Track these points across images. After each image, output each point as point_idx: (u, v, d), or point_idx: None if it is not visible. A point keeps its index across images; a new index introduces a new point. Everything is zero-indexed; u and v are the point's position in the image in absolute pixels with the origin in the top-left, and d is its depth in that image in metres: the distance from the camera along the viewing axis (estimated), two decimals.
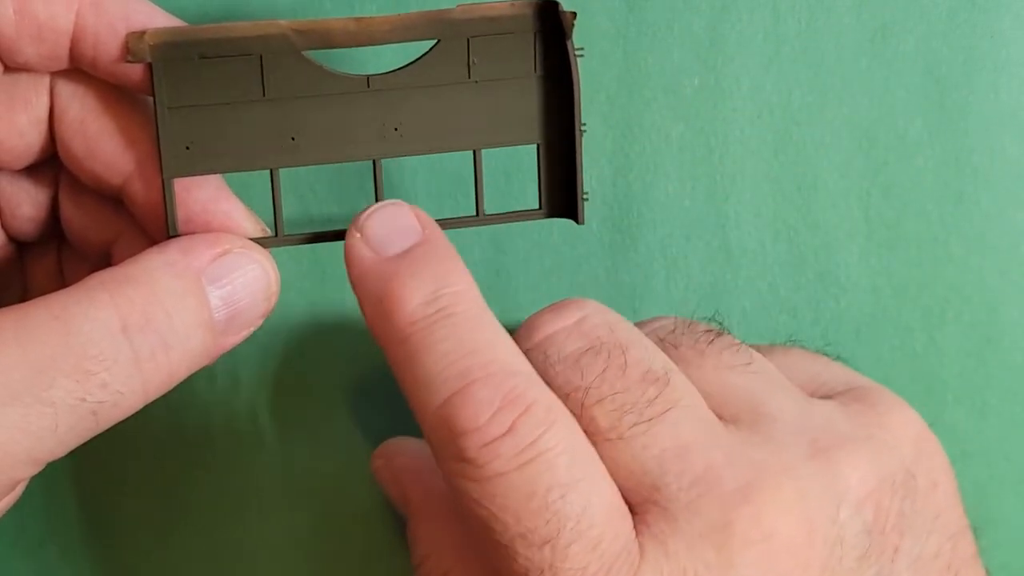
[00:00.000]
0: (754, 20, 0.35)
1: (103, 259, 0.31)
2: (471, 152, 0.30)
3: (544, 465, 0.26)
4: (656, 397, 0.28)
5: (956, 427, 0.38)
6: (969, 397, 0.38)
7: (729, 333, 0.31)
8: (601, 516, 0.26)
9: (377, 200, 0.30)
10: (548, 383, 0.28)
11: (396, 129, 0.29)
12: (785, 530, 0.27)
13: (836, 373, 0.33)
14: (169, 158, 0.28)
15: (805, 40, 0.36)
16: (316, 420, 0.36)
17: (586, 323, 0.29)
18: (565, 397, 0.28)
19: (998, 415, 0.39)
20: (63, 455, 0.26)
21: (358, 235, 0.29)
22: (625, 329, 0.30)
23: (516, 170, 0.35)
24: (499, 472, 0.26)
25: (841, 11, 0.35)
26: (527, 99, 0.30)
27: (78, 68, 0.28)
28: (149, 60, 0.27)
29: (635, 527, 0.27)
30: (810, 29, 0.36)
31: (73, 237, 0.31)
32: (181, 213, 0.29)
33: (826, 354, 0.34)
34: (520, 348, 0.28)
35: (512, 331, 0.29)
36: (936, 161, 0.37)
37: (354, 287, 0.29)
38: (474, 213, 0.31)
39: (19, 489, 0.27)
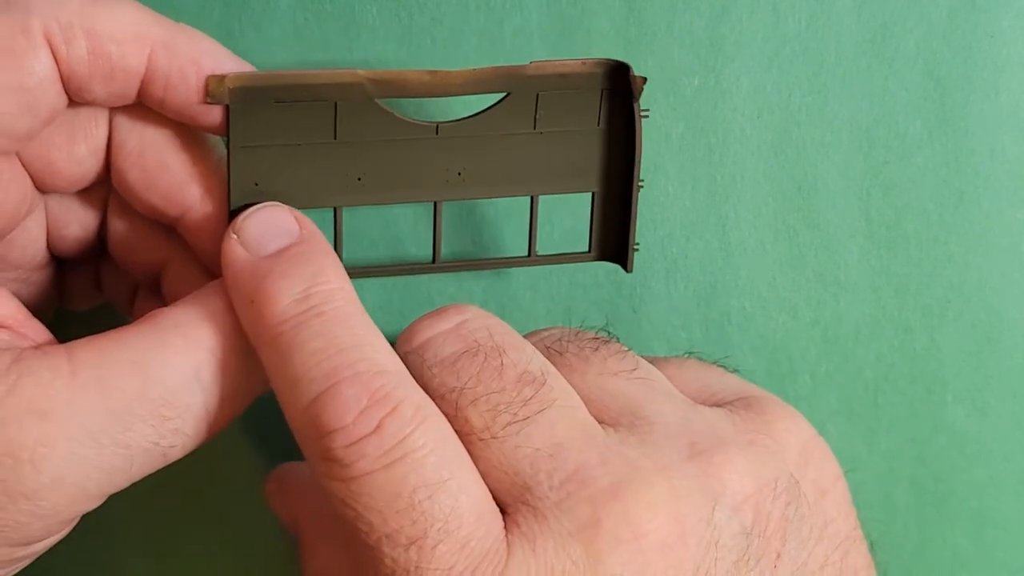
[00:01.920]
0: (754, 20, 0.35)
1: (147, 277, 0.31)
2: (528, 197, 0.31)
3: (411, 465, 0.26)
4: (531, 397, 0.28)
5: (956, 427, 0.38)
6: (969, 397, 0.38)
7: (617, 342, 0.31)
8: (469, 516, 0.26)
9: (437, 240, 0.31)
10: (424, 387, 0.27)
11: (459, 174, 0.30)
12: (656, 529, 0.26)
13: (729, 383, 0.33)
14: (237, 193, 0.29)
15: (805, 40, 0.36)
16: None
17: (465, 327, 0.29)
18: (440, 399, 0.28)
19: (998, 415, 0.39)
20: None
21: (234, 236, 0.28)
22: (505, 333, 0.29)
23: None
24: (365, 472, 0.25)
25: (841, 11, 0.35)
26: (588, 151, 0.31)
27: (141, 103, 0.28)
28: (227, 103, 0.28)
29: (505, 527, 0.27)
30: (810, 29, 0.36)
31: (119, 257, 0.31)
32: None
33: (723, 366, 0.34)
34: (399, 352, 0.28)
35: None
36: (936, 161, 0.37)
37: (228, 289, 0.28)
38: (526, 254, 0.32)
39: (79, 517, 0.27)
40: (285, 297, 0.27)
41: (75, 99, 0.28)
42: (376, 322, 0.28)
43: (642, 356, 0.31)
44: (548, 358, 0.30)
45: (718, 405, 0.31)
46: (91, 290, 0.33)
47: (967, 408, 0.38)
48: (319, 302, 0.27)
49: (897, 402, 0.38)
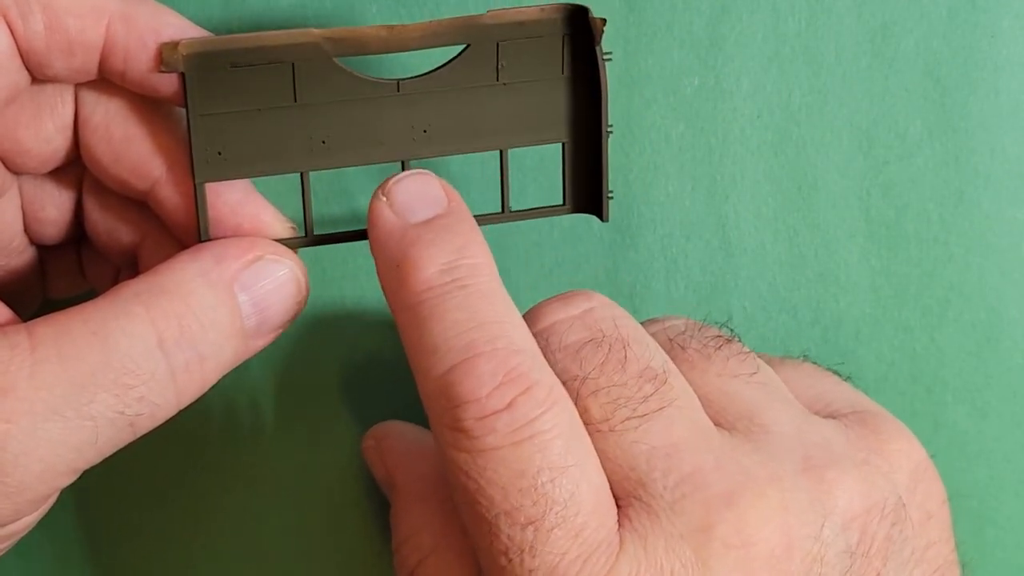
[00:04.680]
0: (754, 20, 0.35)
1: (126, 259, 0.31)
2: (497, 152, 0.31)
3: (538, 446, 0.26)
4: (652, 394, 0.28)
5: (956, 427, 0.38)
6: (969, 397, 0.38)
7: (739, 341, 0.31)
8: (588, 505, 0.26)
9: None
10: None
11: (425, 131, 0.30)
12: (765, 539, 0.27)
13: (844, 394, 0.33)
14: (201, 164, 0.29)
15: (805, 40, 0.36)
16: (313, 417, 0.36)
17: (591, 315, 0.30)
18: (562, 385, 0.28)
19: (998, 415, 0.39)
20: (99, 462, 0.27)
21: (384, 199, 0.29)
22: (629, 325, 0.30)
23: (516, 169, 0.35)
24: (492, 446, 0.26)
25: (841, 11, 0.35)
26: (554, 100, 0.30)
27: (105, 78, 0.28)
28: (182, 70, 0.28)
29: (617, 520, 0.27)
30: (810, 29, 0.36)
31: (97, 239, 0.31)
32: (210, 216, 0.29)
33: (838, 373, 0.34)
34: None
35: None
36: (936, 161, 0.37)
37: (373, 249, 0.29)
38: (499, 209, 0.31)
39: (54, 497, 0.27)
40: (431, 266, 0.28)
41: (37, 75, 0.27)
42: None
43: (758, 355, 0.31)
44: (669, 351, 0.30)
45: (832, 416, 0.31)
46: (74, 277, 0.33)
47: (967, 408, 0.38)
48: (463, 275, 0.27)
49: (897, 402, 0.38)
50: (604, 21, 0.29)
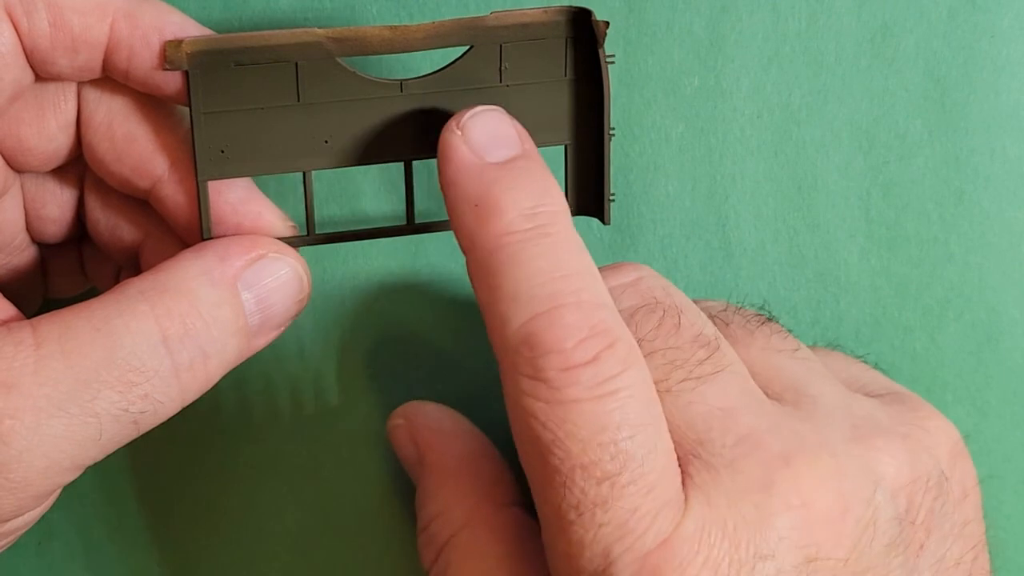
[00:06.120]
0: (754, 20, 0.35)
1: (127, 258, 0.31)
2: None
3: (620, 402, 0.26)
4: (706, 359, 0.28)
5: (956, 427, 0.38)
6: (969, 397, 0.38)
7: (778, 323, 0.32)
8: (660, 463, 0.26)
9: (409, 202, 0.30)
10: None
11: (428, 132, 0.30)
12: (822, 501, 0.27)
13: (876, 378, 0.33)
14: (204, 162, 0.29)
15: (805, 40, 0.36)
16: (313, 417, 0.36)
17: (643, 283, 0.30)
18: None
19: (998, 415, 0.39)
20: (102, 459, 0.27)
21: (459, 132, 0.28)
22: (679, 294, 0.30)
23: None
24: (575, 399, 0.26)
25: (841, 11, 0.35)
26: (556, 102, 0.31)
27: (108, 76, 0.28)
28: (186, 68, 0.28)
29: (681, 479, 0.27)
30: (810, 29, 0.36)
31: (98, 237, 0.31)
32: (212, 214, 0.29)
33: (865, 361, 0.34)
34: None
35: None
36: (936, 161, 0.37)
37: (447, 186, 0.28)
38: None
39: (56, 494, 0.28)
40: (513, 210, 0.27)
41: (41, 73, 0.27)
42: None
43: None
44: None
45: (869, 396, 0.31)
46: (75, 275, 0.33)
47: (967, 408, 0.38)
48: (546, 222, 0.27)
49: None
50: (607, 24, 0.30)
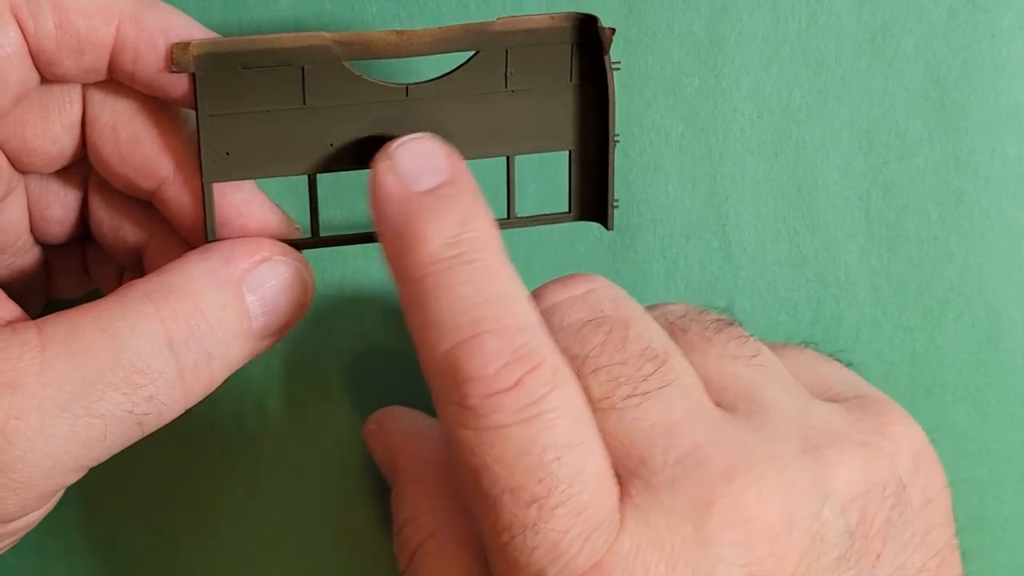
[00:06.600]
0: (754, 20, 0.35)
1: (131, 259, 0.31)
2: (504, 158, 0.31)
3: (545, 424, 0.26)
4: (652, 373, 0.28)
5: (956, 427, 0.38)
6: (969, 397, 0.38)
7: (740, 326, 0.31)
8: (591, 483, 0.26)
9: None
10: None
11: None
12: (765, 515, 0.27)
13: (846, 379, 0.33)
14: (209, 164, 0.29)
15: (805, 40, 0.36)
16: (313, 417, 0.36)
17: (592, 296, 0.29)
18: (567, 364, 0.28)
19: (998, 415, 0.39)
20: (104, 460, 0.27)
21: (387, 162, 0.28)
22: (630, 307, 0.30)
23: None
24: (499, 424, 0.26)
25: (841, 11, 0.35)
26: (561, 108, 0.31)
27: (113, 78, 0.28)
28: (192, 71, 0.28)
29: (619, 497, 0.27)
30: (810, 29, 0.36)
31: (102, 238, 0.31)
32: (217, 216, 0.29)
33: (839, 360, 0.34)
34: None
35: None
36: (936, 161, 0.37)
37: (375, 215, 0.28)
38: (505, 215, 0.31)
39: (60, 494, 0.28)
40: (436, 238, 0.27)
41: (46, 75, 0.27)
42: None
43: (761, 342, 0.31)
44: (670, 334, 0.30)
45: (834, 400, 0.31)
46: (78, 276, 0.33)
47: (967, 408, 0.38)
48: (469, 249, 0.27)
49: (897, 402, 0.38)
50: (613, 31, 0.30)
